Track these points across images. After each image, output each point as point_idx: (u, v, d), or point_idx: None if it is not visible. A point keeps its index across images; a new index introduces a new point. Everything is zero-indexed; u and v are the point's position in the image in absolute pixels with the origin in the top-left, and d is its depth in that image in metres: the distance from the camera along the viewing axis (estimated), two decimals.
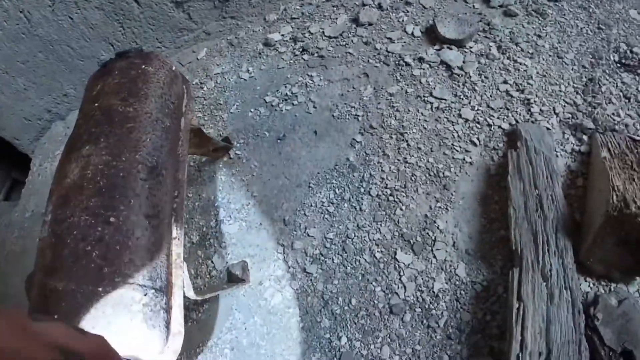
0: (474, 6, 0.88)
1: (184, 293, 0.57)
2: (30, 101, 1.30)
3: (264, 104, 0.91)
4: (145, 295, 0.49)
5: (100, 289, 0.51)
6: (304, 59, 0.93)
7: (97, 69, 0.78)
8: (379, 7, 0.92)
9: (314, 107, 0.85)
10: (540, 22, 0.83)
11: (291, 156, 0.80)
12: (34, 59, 1.18)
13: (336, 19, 0.96)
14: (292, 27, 0.99)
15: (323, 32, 0.95)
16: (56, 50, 1.21)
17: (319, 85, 0.87)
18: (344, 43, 0.90)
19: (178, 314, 0.51)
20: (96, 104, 0.64)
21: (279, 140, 0.83)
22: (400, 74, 0.82)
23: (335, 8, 0.98)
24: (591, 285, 0.61)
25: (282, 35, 0.99)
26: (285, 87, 0.91)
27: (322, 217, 0.72)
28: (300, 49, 0.95)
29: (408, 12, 0.91)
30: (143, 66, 0.70)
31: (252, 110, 0.92)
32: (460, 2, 0.89)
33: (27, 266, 1.24)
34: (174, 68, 0.77)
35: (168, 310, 0.50)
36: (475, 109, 0.73)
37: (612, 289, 0.61)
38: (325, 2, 1.00)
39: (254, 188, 0.81)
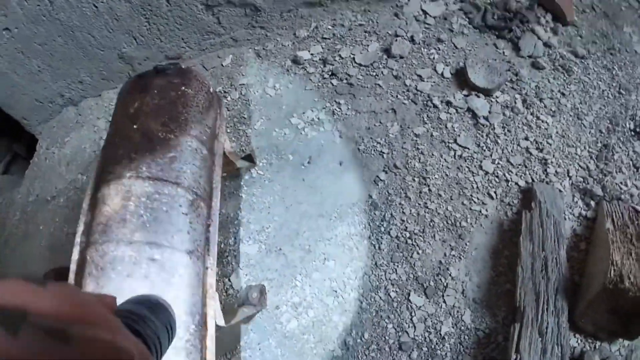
0: (504, 52, 0.94)
1: (215, 322, 0.63)
2: (44, 84, 1.31)
3: (289, 125, 0.95)
4: (187, 331, 0.54)
5: None
6: (333, 84, 0.97)
7: (132, 78, 0.79)
8: (412, 40, 0.96)
9: (340, 136, 0.90)
10: (565, 78, 0.90)
11: (315, 184, 0.85)
12: (52, 43, 1.18)
13: (367, 45, 1.00)
14: (322, 48, 1.03)
15: (354, 59, 0.99)
16: (76, 37, 1.21)
17: (346, 114, 0.92)
18: (374, 74, 0.95)
19: (211, 344, 0.57)
20: (135, 125, 0.66)
21: (303, 166, 0.88)
22: (428, 116, 0.87)
23: (367, 34, 1.02)
24: (579, 341, 0.70)
25: (312, 54, 1.03)
26: (312, 111, 0.95)
27: (342, 251, 0.78)
28: (330, 73, 0.98)
29: (439, 49, 0.95)
30: (183, 87, 0.72)
31: (277, 129, 0.96)
32: (491, 47, 0.94)
33: (28, 253, 1.27)
34: (211, 90, 0.80)
35: (203, 341, 0.56)
36: (496, 162, 0.80)
37: (597, 347, 0.70)
38: (357, 26, 1.03)
39: (275, 211, 0.86)
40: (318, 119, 0.94)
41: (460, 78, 0.93)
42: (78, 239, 0.62)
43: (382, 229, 0.80)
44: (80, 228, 0.63)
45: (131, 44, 1.22)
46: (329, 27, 1.08)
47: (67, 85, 1.36)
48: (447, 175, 0.82)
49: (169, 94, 0.71)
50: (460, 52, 0.97)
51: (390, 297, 0.74)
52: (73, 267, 0.61)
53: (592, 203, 0.78)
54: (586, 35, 0.97)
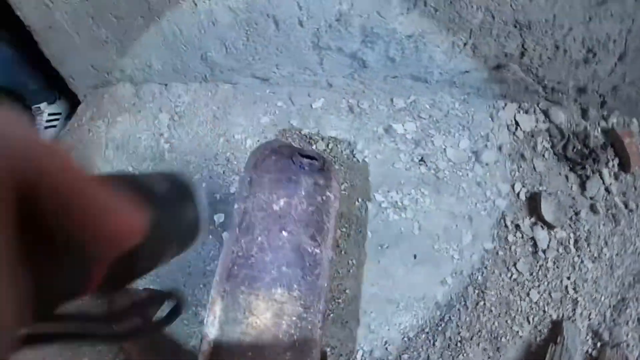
0: (572, 187, 1.14)
1: None
2: (106, 54, 1.30)
3: (373, 200, 1.09)
4: None
5: None
6: (421, 171, 1.11)
7: (270, 157, 0.82)
8: (499, 149, 1.10)
9: (419, 229, 1.05)
10: (611, 228, 1.12)
11: (389, 270, 1.01)
12: (130, 20, 1.18)
13: (459, 141, 1.14)
14: (417, 127, 1.15)
15: (445, 151, 1.12)
16: (160, 24, 1.22)
17: (428, 207, 1.07)
18: (461, 174, 1.10)
19: None
20: (284, 232, 0.73)
21: (380, 248, 1.03)
22: (498, 234, 1.06)
23: (460, 127, 1.16)
24: None
25: (405, 130, 1.15)
26: (397, 193, 1.09)
27: (401, 339, 0.97)
28: (420, 158, 1.12)
29: (521, 167, 1.12)
30: (327, 192, 0.79)
31: (359, 200, 1.09)
32: (563, 178, 1.13)
33: None
34: (342, 189, 0.89)
35: None
36: (541, 293, 1.02)
37: None
38: (454, 115, 1.15)
39: (347, 284, 1.01)
40: (402, 203, 1.08)
41: (532, 204, 1.12)
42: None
43: (439, 328, 0.99)
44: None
45: (220, 51, 1.24)
46: (427, 105, 1.19)
47: (132, 64, 1.35)
48: (500, 293, 1.03)
49: (316, 199, 0.77)
50: (537, 175, 1.15)
51: None
52: None
53: (598, 344, 1.03)
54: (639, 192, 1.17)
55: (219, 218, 1.12)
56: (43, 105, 1.63)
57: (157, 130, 1.35)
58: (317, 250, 0.80)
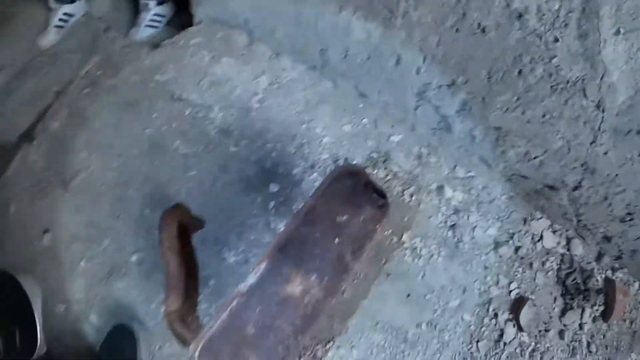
0: (554, 308, 1.34)
1: None
2: (241, 3, 1.48)
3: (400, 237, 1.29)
4: None
5: None
6: (447, 235, 1.37)
7: (360, 181, 0.99)
8: (516, 250, 1.31)
9: (422, 277, 1.31)
10: (566, 356, 1.33)
11: (383, 295, 1.30)
12: None
13: (489, 227, 1.36)
14: (462, 199, 1.39)
15: (474, 229, 1.35)
16: (302, 7, 1.41)
17: (438, 265, 1.34)
18: (476, 253, 1.35)
19: None
20: (336, 240, 0.93)
21: (386, 275, 1.26)
22: (479, 312, 1.33)
23: (496, 218, 1.41)
24: None
25: (453, 196, 1.41)
26: (420, 241, 1.33)
27: (366, 351, 1.19)
28: (452, 224, 1.36)
29: (524, 272, 1.36)
30: (378, 225, 1.01)
31: (390, 232, 1.29)
32: (552, 298, 1.35)
33: None
34: None
35: None
36: None
37: None
38: (495, 205, 1.35)
39: (347, 288, 1.23)
40: (419, 251, 1.32)
41: (516, 305, 1.37)
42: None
43: (396, 357, 1.21)
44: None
45: (339, 55, 1.48)
46: (480, 186, 1.43)
47: (259, 22, 1.59)
48: (454, 356, 1.24)
49: (368, 227, 0.99)
50: (533, 284, 1.37)
51: None
52: None
53: None
54: (608, 339, 1.38)
55: (273, 188, 1.36)
56: (152, 4, 1.83)
57: (254, 88, 1.56)
58: (351, 263, 1.02)
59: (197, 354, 0.84)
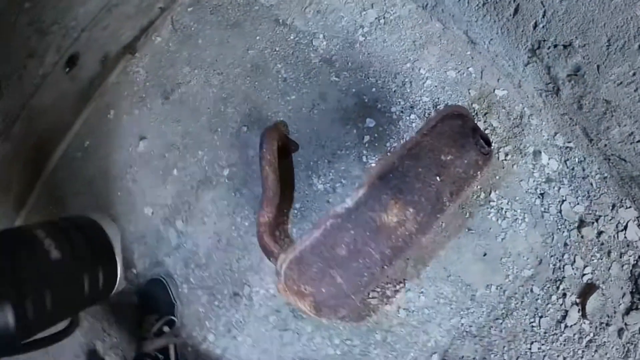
0: (621, 305, 1.35)
1: None
2: None
3: (488, 194, 1.32)
4: None
5: None
6: (534, 202, 1.37)
7: (467, 124, 1.01)
8: (598, 234, 1.32)
9: (502, 240, 1.37)
10: (620, 355, 1.35)
11: (460, 248, 1.37)
12: None
13: (576, 204, 1.38)
14: (557, 169, 1.37)
15: (562, 202, 1.35)
16: None
17: (519, 230, 1.37)
18: (558, 227, 1.36)
19: None
20: (438, 177, 0.95)
21: (467, 230, 1.32)
22: (549, 287, 1.35)
23: (586, 196, 1.40)
24: None
25: (548, 164, 1.40)
26: (508, 203, 1.38)
27: (433, 299, 1.27)
28: (542, 192, 1.34)
29: (600, 260, 1.38)
30: (479, 172, 1.01)
31: (480, 187, 1.33)
32: (621, 293, 1.38)
33: None
34: None
35: None
36: (540, 350, 1.29)
37: None
38: (589, 183, 1.35)
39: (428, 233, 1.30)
40: (505, 213, 1.34)
41: (585, 290, 1.36)
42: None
43: (461, 313, 1.28)
44: None
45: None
46: (577, 160, 1.38)
47: None
48: (515, 327, 1.30)
49: (469, 172, 0.97)
50: (606, 274, 1.40)
51: None
52: None
53: None
54: None
55: (370, 123, 1.41)
56: None
57: (361, 20, 1.57)
58: (448, 204, 1.06)
59: (285, 265, 0.94)
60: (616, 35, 1.19)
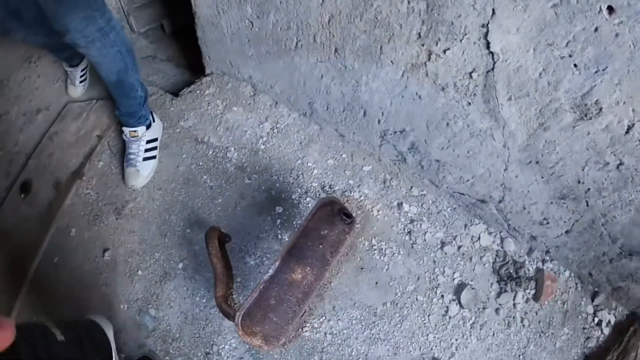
0: (490, 292, 2.09)
1: None
2: (245, 62, 2.30)
3: (370, 241, 2.05)
4: None
5: None
6: (404, 239, 2.07)
7: (334, 207, 1.79)
8: (458, 248, 2.07)
9: (387, 270, 2.03)
10: (502, 328, 2.09)
11: (358, 282, 1.99)
12: (273, 55, 2.19)
13: (436, 232, 2.10)
14: (417, 211, 2.10)
15: (425, 233, 2.09)
16: (294, 71, 2.17)
17: (397, 260, 2.05)
18: (427, 251, 2.08)
19: None
20: (320, 245, 1.66)
21: (360, 269, 2.01)
22: (429, 295, 2.02)
23: (443, 224, 2.12)
24: None
25: (409, 210, 2.10)
26: (385, 244, 2.05)
27: (341, 325, 1.96)
28: (408, 231, 2.07)
29: (465, 265, 2.09)
30: (347, 236, 1.77)
31: (362, 238, 2.06)
32: (488, 284, 2.09)
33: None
34: (357, 228, 1.86)
35: None
36: (433, 340, 2.00)
37: None
38: (442, 215, 2.10)
39: (332, 277, 1.99)
40: (383, 252, 2.05)
41: (458, 289, 2.08)
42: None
43: (363, 324, 1.98)
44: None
45: (323, 106, 2.19)
46: (430, 201, 2.15)
47: (260, 78, 2.33)
48: (411, 325, 2.00)
49: (340, 238, 1.74)
50: (472, 274, 2.11)
51: None
52: None
53: None
54: (541, 316, 2.13)
55: (278, 209, 2.08)
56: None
57: (259, 132, 2.29)
58: (330, 259, 1.77)
59: (240, 318, 1.60)
60: (430, 120, 2.00)
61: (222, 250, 1.80)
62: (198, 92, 2.44)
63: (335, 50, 1.98)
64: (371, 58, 1.91)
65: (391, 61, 1.87)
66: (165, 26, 2.97)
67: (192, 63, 2.79)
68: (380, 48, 1.85)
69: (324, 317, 1.96)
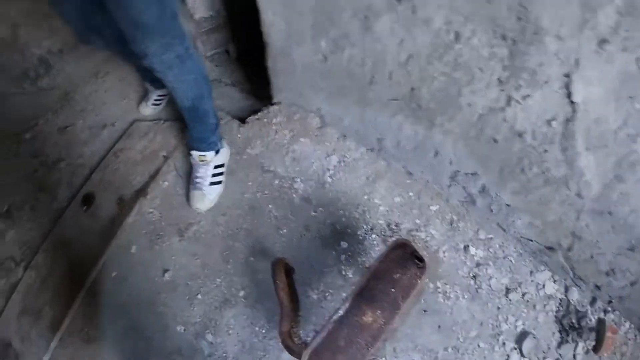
0: (552, 341, 2.18)
1: None
2: (316, 96, 2.44)
3: (435, 283, 2.17)
4: None
5: None
6: (470, 283, 2.19)
7: (407, 250, 1.92)
8: (523, 295, 2.17)
9: (450, 314, 2.14)
10: None
11: (420, 324, 2.11)
12: (345, 98, 2.35)
13: (502, 278, 2.20)
14: (483, 255, 2.22)
15: (490, 279, 2.20)
16: (365, 110, 2.34)
17: (461, 305, 2.16)
18: (491, 297, 2.18)
19: None
20: (392, 289, 1.81)
21: (423, 311, 2.13)
22: (491, 343, 2.13)
23: (508, 270, 2.22)
24: None
25: (475, 253, 2.22)
26: (450, 287, 2.17)
27: None
28: (474, 274, 2.19)
29: (529, 313, 2.18)
30: (419, 280, 1.91)
31: (427, 280, 2.19)
32: (550, 333, 2.17)
33: None
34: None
35: None
36: None
37: None
38: (509, 260, 2.21)
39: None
40: (448, 295, 2.17)
41: (520, 337, 2.17)
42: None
43: None
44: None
45: (393, 143, 2.36)
46: (497, 245, 2.26)
47: (329, 112, 2.51)
48: None
49: (413, 280, 1.90)
50: (535, 322, 2.19)
51: None
52: None
53: None
54: None
55: (343, 244, 2.20)
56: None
57: (326, 164, 2.46)
58: (402, 303, 1.88)
59: (307, 357, 1.74)
60: (505, 165, 2.13)
61: (289, 283, 1.94)
62: (265, 120, 2.63)
63: (412, 89, 2.14)
64: (448, 99, 2.07)
65: (469, 104, 2.02)
66: (230, 51, 3.22)
67: (256, 89, 3.02)
68: (459, 91, 2.00)
69: (384, 359, 2.08)
